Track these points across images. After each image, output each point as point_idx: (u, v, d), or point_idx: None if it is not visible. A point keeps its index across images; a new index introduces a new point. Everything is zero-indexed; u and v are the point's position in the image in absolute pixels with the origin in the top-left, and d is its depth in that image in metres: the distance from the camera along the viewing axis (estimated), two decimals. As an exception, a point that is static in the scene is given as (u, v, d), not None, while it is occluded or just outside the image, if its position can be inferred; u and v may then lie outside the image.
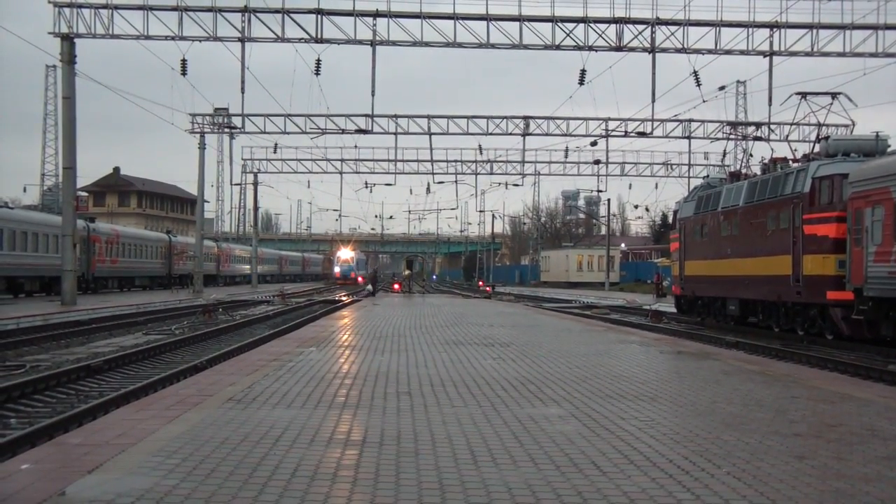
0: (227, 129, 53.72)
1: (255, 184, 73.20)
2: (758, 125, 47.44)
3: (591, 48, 36.04)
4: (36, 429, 10.23)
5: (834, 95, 27.36)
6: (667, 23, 35.91)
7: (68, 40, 34.89)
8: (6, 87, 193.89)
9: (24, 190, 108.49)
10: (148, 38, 35.21)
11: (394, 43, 36.23)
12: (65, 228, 35.93)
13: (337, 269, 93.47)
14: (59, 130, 43.82)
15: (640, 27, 35.99)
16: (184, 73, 36.94)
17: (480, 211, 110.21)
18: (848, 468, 6.35)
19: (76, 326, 25.64)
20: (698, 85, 38.49)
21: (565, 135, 51.39)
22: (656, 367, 13.01)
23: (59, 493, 5.39)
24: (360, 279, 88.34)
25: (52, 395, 13.70)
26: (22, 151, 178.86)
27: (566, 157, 60.29)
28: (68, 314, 29.21)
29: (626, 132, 50.38)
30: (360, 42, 35.80)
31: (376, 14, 35.47)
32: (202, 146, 54.08)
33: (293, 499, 5.32)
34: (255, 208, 79.19)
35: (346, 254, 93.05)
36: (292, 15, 35.35)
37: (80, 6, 34.61)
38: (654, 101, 39.05)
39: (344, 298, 49.17)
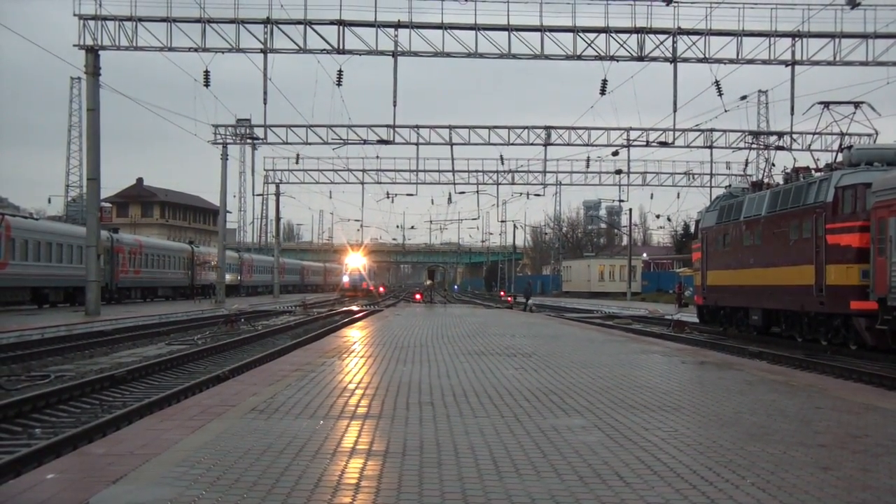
0: (249, 140, 53.94)
1: (277, 194, 73.45)
2: (780, 135, 47.17)
3: (612, 58, 35.99)
4: (60, 439, 10.29)
5: (856, 105, 27.22)
6: (688, 32, 35.81)
7: (93, 52, 35.16)
8: (31, 99, 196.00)
9: (49, 201, 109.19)
10: (171, 49, 35.39)
11: (415, 53, 36.25)
12: (89, 239, 36.17)
13: (346, 279, 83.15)
14: (84, 142, 44.10)
15: (662, 37, 35.91)
16: (206, 84, 37.11)
17: (502, 221, 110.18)
18: (874, 480, 6.30)
19: (100, 337, 25.78)
20: (720, 94, 38.37)
21: (587, 144, 51.23)
22: (679, 378, 12.96)
23: None
24: (381, 289, 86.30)
25: (76, 406, 13.79)
26: (46, 163, 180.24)
27: (588, 166, 60.13)
28: (92, 324, 29.38)
29: (647, 142, 50.27)
30: (382, 53, 35.85)
31: (398, 25, 35.52)
32: (224, 157, 54.30)
33: (316, 509, 5.33)
34: (277, 218, 79.41)
35: (355, 262, 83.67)
36: (314, 26, 35.44)
37: (105, 19, 34.90)
38: (675, 110, 38.93)
39: (360, 311, 48.89)
